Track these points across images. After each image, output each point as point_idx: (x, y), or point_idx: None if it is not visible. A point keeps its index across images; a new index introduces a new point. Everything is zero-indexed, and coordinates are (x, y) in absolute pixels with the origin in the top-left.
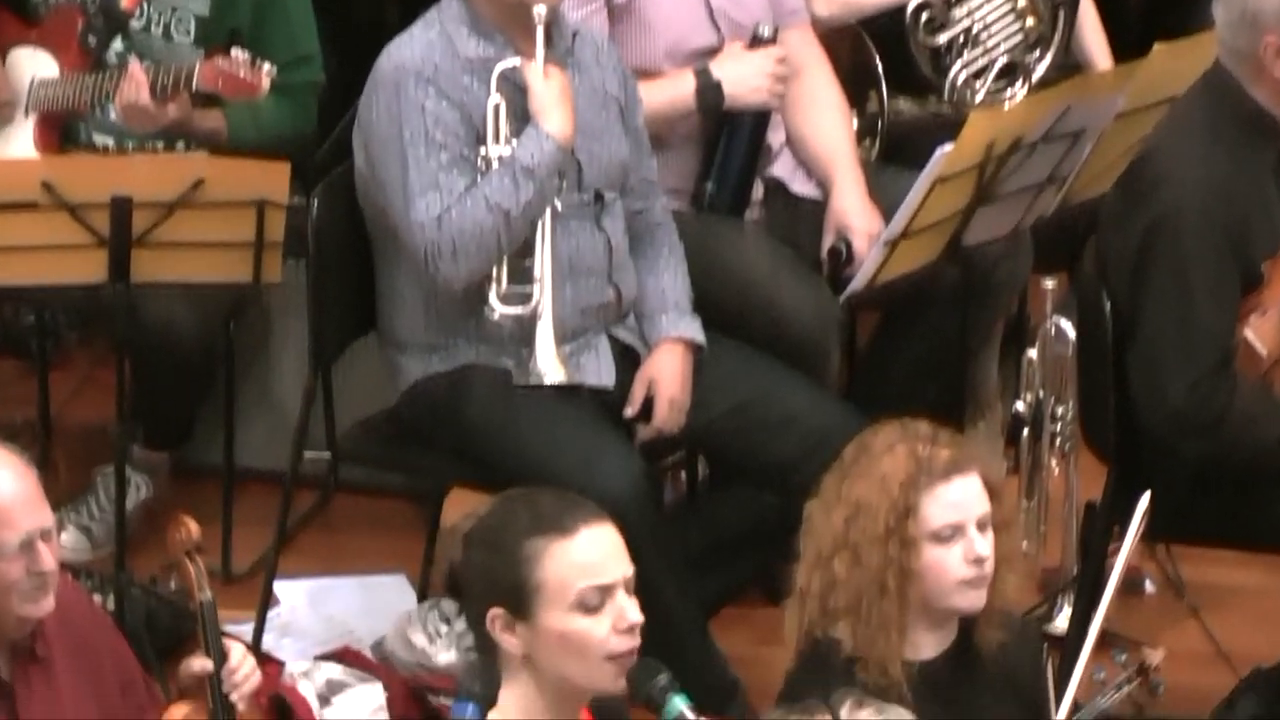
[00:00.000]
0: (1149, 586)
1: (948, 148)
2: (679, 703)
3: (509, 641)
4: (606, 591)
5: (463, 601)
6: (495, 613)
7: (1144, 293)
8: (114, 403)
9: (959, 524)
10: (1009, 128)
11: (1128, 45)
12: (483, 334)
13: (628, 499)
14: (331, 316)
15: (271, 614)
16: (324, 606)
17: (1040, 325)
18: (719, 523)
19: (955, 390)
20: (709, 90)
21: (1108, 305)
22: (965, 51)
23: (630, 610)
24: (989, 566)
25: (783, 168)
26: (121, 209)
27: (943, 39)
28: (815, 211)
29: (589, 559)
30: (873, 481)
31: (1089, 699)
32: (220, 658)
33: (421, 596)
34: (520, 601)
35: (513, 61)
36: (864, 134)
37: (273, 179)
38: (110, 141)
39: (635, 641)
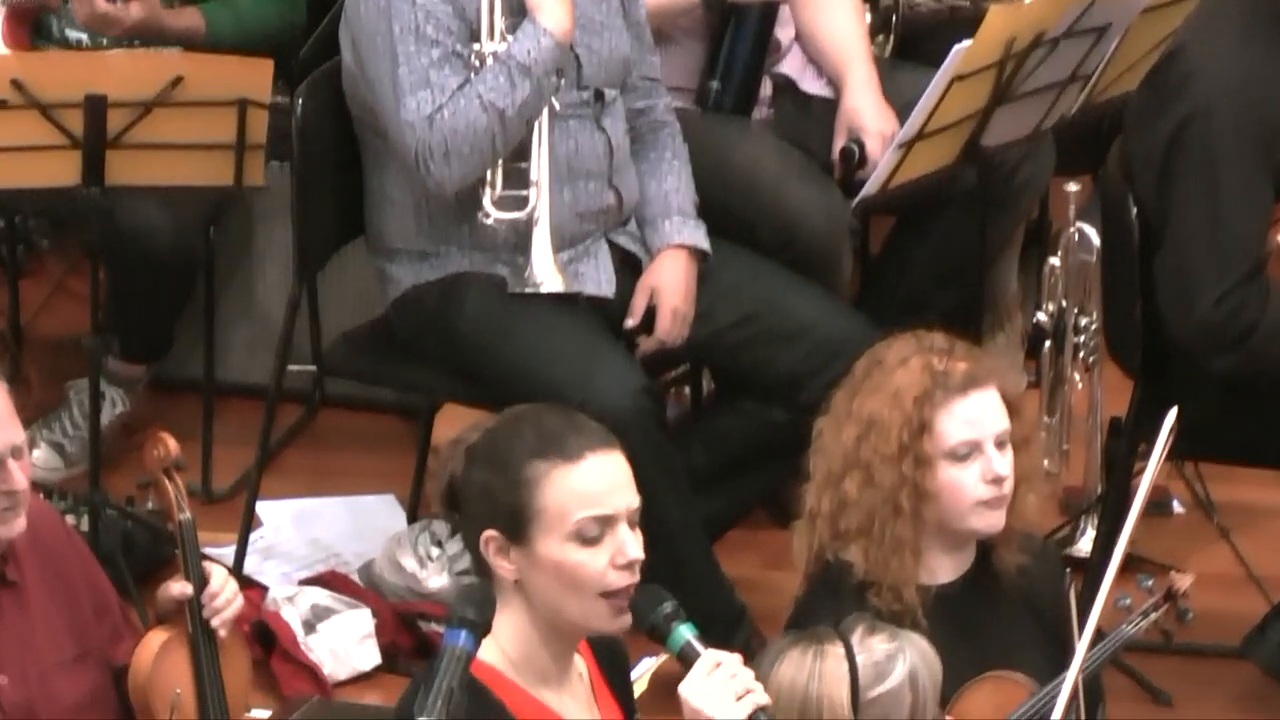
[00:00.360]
0: (1177, 507)
1: (966, 44)
2: (684, 632)
3: (503, 567)
4: (607, 523)
5: (459, 519)
6: (490, 535)
7: (1172, 196)
8: (88, 313)
9: (976, 441)
10: (1030, 22)
11: None
12: (476, 240)
13: (628, 415)
14: (317, 222)
15: (254, 536)
16: (309, 528)
17: (1063, 231)
18: (724, 441)
19: (973, 300)
20: None
21: (1133, 210)
22: None
23: (631, 545)
24: (1008, 486)
25: (792, 65)
26: (96, 108)
27: None
28: (826, 111)
29: (592, 488)
30: (885, 396)
31: (1113, 626)
32: (200, 582)
33: (412, 518)
34: (517, 526)
35: None
36: (877, 29)
37: (255, 77)
38: (84, 37)
39: (633, 578)
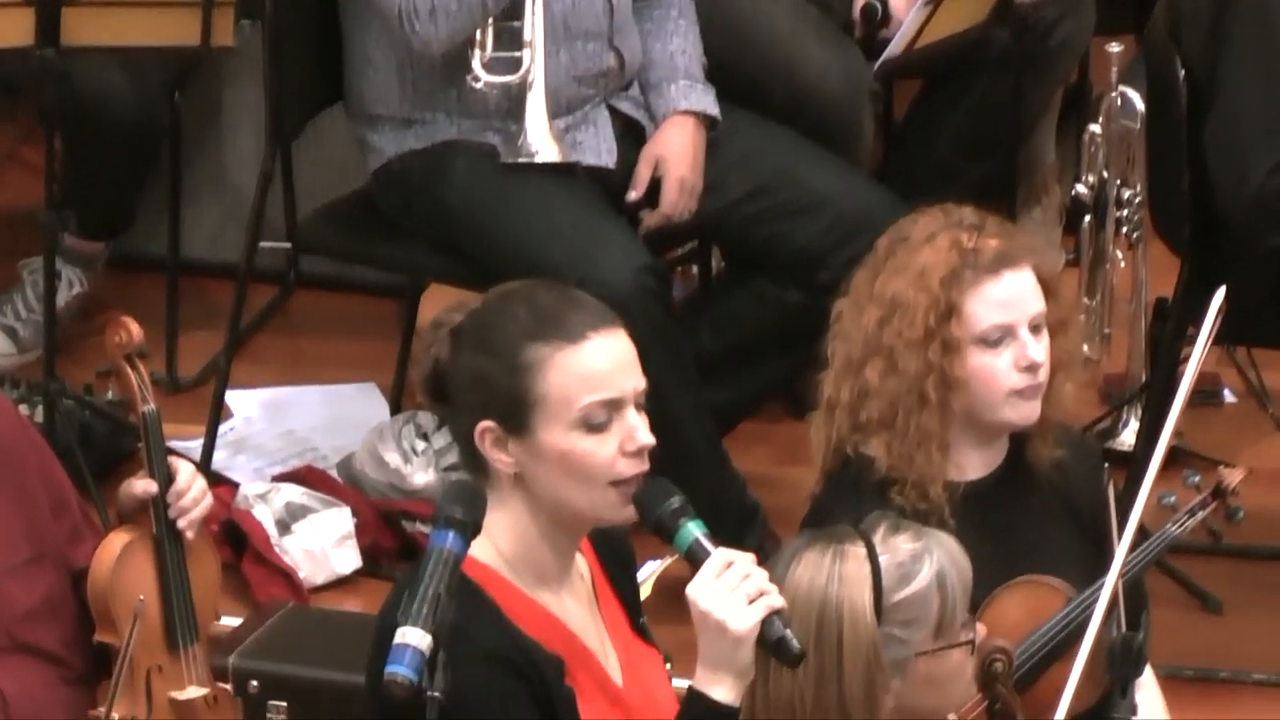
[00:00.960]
0: (1228, 396)
1: None
2: (693, 529)
3: (500, 460)
4: (614, 407)
5: (447, 410)
6: (486, 426)
7: (1223, 57)
8: (43, 186)
9: (1009, 325)
10: None
11: None
12: (465, 106)
13: (630, 296)
14: (292, 87)
15: (223, 428)
16: (283, 420)
17: (1104, 96)
18: (735, 324)
19: (1006, 171)
20: None
21: (1181, 72)
22: None
23: (640, 431)
24: (1043, 374)
25: None
26: None
27: None
28: None
29: (597, 370)
30: (910, 276)
31: (1157, 526)
32: (165, 479)
33: (395, 408)
34: (516, 415)
35: None
36: None
37: None
38: None
39: (643, 465)
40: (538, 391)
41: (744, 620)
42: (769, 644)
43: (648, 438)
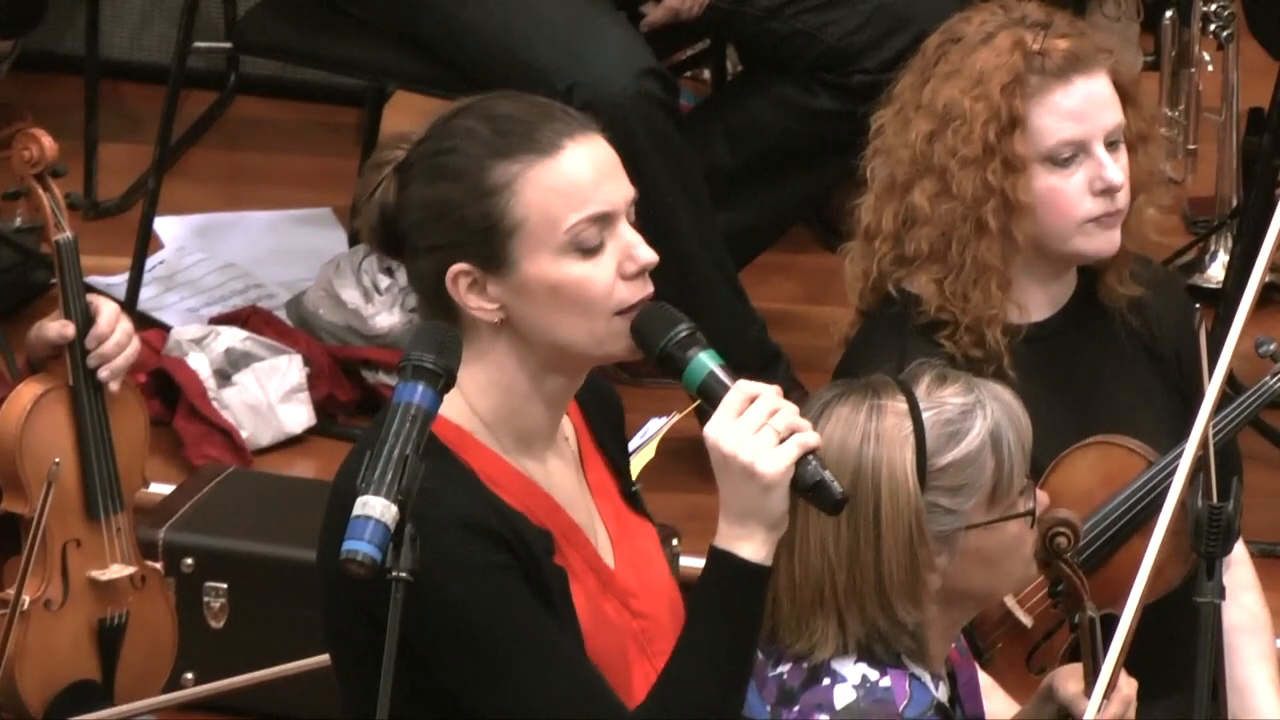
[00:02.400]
0: None
1: None
2: (706, 360)
3: (480, 308)
4: (606, 224)
5: (404, 259)
6: (458, 269)
7: None
8: None
9: (1082, 141)
10: None
11: None
12: None
13: (628, 103)
14: None
15: (152, 261)
16: (222, 250)
17: None
18: (754, 137)
19: None
20: None
21: None
22: None
23: (639, 247)
24: (1122, 198)
25: None
26: None
27: None
28: None
29: (580, 182)
30: (966, 82)
31: (1252, 379)
32: (84, 320)
33: (354, 238)
34: (491, 249)
35: None
36: None
37: None
38: None
39: (648, 288)
40: (514, 216)
41: (775, 462)
42: (805, 488)
43: (649, 254)
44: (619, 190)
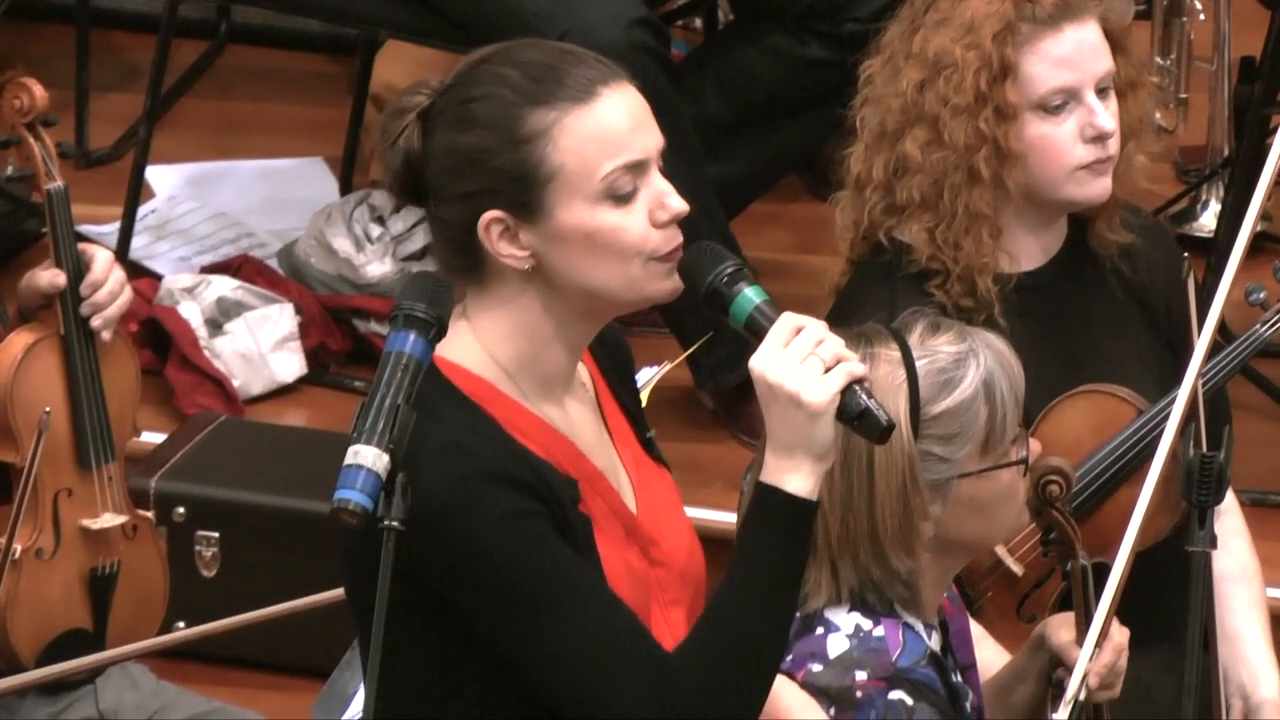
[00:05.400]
0: None
1: None
2: (752, 295)
3: (512, 256)
4: (639, 172)
5: (428, 206)
6: (492, 216)
7: None
8: None
9: (1073, 88)
10: None
11: None
12: None
13: (621, 52)
14: None
15: (143, 210)
16: (214, 199)
17: None
18: (745, 86)
19: None
20: None
21: None
22: None
23: (670, 196)
24: (1113, 145)
25: None
26: None
27: None
28: None
29: (616, 130)
30: (956, 31)
31: (1243, 327)
32: (75, 269)
33: (345, 186)
34: (526, 197)
35: None
36: None
37: None
38: None
39: (679, 237)
40: (551, 164)
41: (821, 391)
42: (851, 416)
43: (680, 203)
44: (652, 138)
